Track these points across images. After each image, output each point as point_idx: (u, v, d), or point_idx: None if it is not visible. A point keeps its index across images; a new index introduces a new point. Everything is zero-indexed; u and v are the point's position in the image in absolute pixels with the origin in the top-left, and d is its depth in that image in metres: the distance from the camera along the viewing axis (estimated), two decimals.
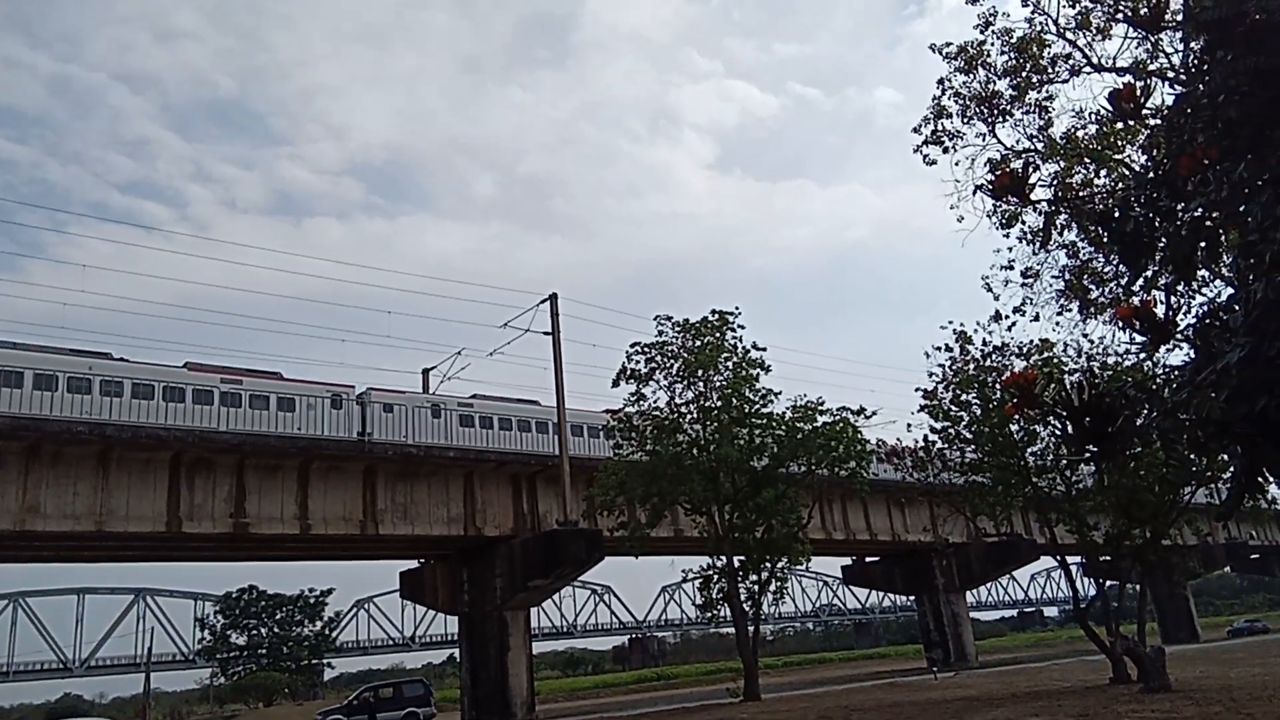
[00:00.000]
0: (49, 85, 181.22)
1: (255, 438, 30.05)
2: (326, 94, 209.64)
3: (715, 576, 30.79)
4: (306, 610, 77.26)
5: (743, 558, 30.06)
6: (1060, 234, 16.09)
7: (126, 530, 28.45)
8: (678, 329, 30.34)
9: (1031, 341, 23.71)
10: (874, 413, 30.53)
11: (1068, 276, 17.87)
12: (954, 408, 24.97)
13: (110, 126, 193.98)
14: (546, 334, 35.98)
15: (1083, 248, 17.06)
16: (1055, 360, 23.03)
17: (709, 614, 32.11)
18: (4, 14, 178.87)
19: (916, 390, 25.93)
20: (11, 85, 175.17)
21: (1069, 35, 16.10)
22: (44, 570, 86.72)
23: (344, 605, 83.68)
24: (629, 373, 30.49)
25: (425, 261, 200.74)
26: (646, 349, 30.43)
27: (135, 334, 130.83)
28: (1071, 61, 16.20)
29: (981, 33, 16.47)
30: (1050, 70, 16.49)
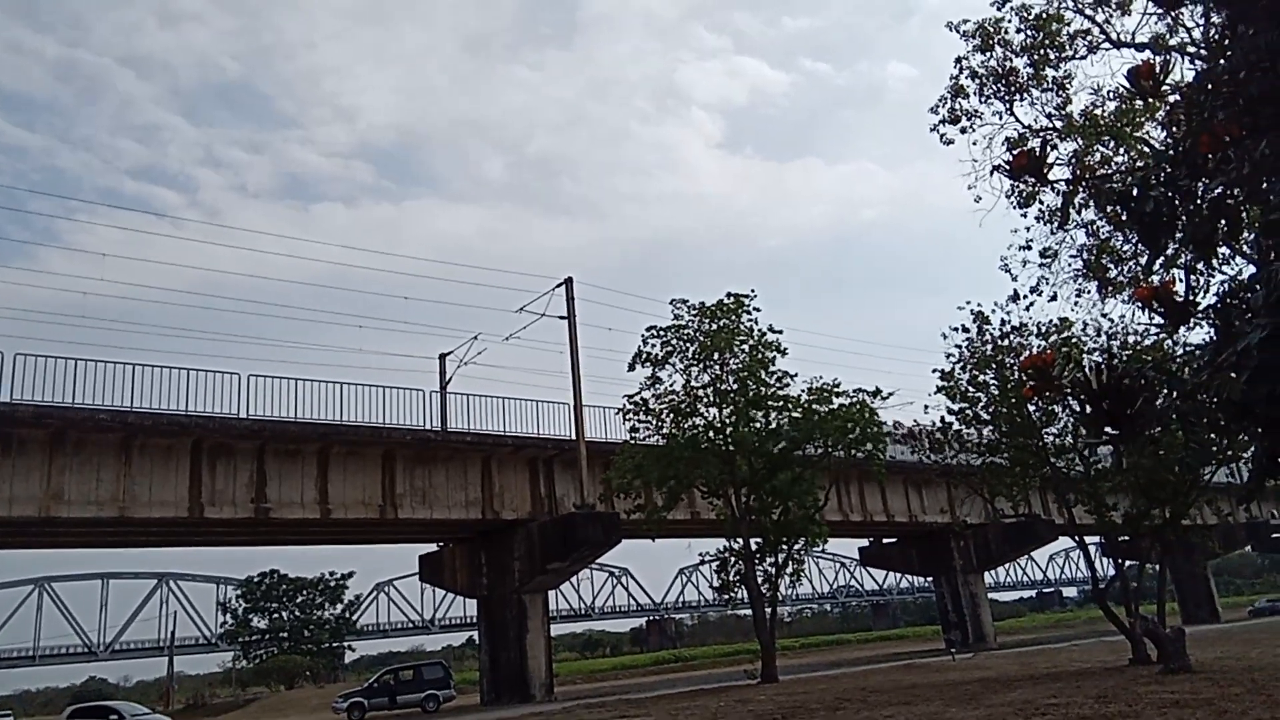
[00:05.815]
0: (55, 71, 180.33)
1: (274, 424, 30.30)
2: (333, 75, 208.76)
3: (732, 559, 30.93)
4: (327, 593, 78.05)
5: (759, 540, 30.18)
6: (1079, 213, 15.99)
7: (149, 516, 28.76)
8: (693, 312, 30.34)
9: (1050, 321, 23.57)
10: (890, 394, 30.49)
11: (1086, 256, 17.79)
12: (971, 388, 24.84)
13: (119, 111, 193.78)
14: (562, 318, 36.07)
15: (1101, 227, 16.96)
16: (1074, 340, 22.90)
17: (726, 596, 32.26)
18: None
19: (934, 371, 25.81)
20: (19, 70, 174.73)
21: (1087, 11, 15.91)
22: (68, 555, 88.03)
23: (364, 588, 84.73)
24: (645, 356, 30.55)
25: (437, 245, 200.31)
26: (662, 332, 30.45)
27: (154, 322, 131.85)
28: (1090, 38, 16.03)
29: (999, 9, 16.30)
30: (1069, 47, 16.34)
